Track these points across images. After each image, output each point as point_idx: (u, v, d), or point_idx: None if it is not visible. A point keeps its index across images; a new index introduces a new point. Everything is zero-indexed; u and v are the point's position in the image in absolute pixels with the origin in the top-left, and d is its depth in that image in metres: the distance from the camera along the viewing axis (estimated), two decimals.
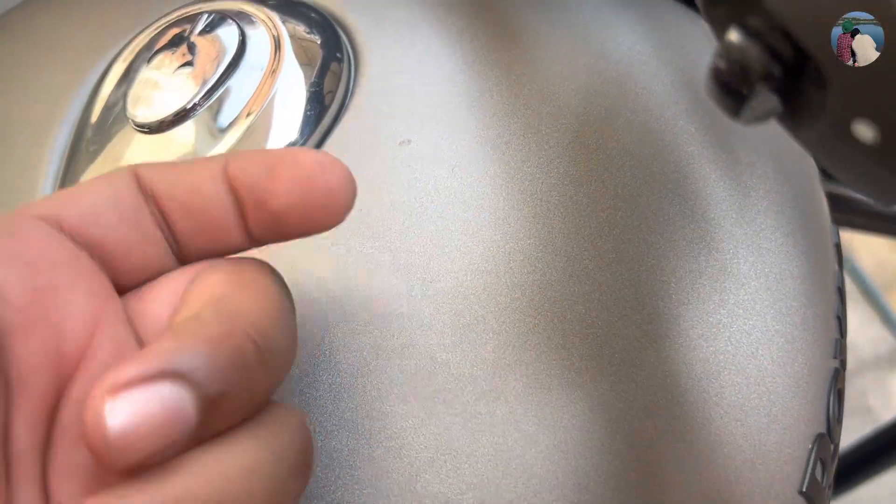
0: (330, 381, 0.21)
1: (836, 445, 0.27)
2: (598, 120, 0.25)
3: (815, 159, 0.15)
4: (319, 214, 0.18)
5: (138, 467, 0.14)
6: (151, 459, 0.14)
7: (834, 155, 0.13)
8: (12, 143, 0.28)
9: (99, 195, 0.18)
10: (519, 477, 0.20)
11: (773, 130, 0.28)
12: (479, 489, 0.20)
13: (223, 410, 0.15)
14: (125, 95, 0.26)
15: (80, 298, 0.17)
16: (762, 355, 0.23)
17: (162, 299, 0.19)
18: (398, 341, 0.21)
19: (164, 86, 0.26)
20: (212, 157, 0.20)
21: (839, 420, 0.27)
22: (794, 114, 0.14)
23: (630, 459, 0.21)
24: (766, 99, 0.13)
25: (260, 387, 0.16)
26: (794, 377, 0.24)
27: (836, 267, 0.28)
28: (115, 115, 0.26)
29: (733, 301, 0.23)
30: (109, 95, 0.27)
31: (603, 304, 0.22)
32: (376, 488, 0.20)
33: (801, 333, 0.24)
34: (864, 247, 1.13)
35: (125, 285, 0.19)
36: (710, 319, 0.23)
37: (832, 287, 0.27)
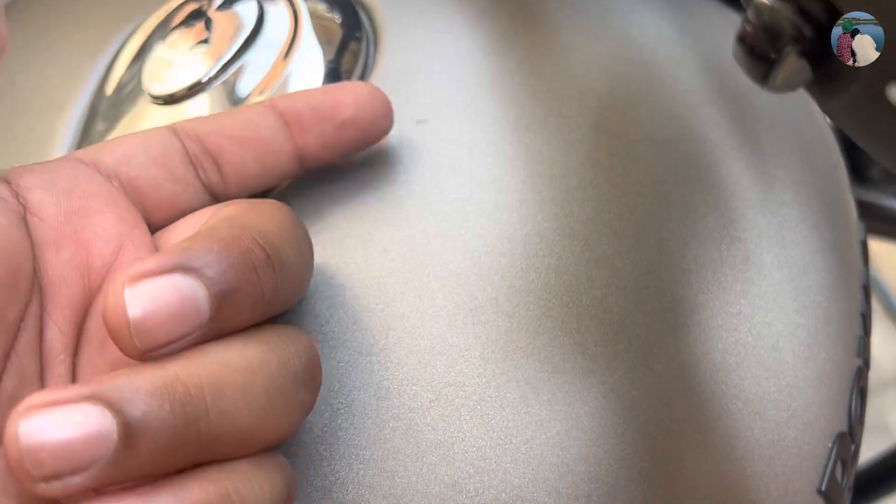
0: (338, 359, 0.21)
1: (858, 446, 0.26)
2: (621, 104, 0.24)
3: (845, 130, 0.14)
4: (381, 119, 0.22)
5: (154, 354, 0.15)
6: (168, 347, 0.15)
7: (866, 123, 0.13)
8: (29, 117, 0.28)
9: (132, 142, 0.21)
10: (528, 463, 0.20)
11: (801, 122, 0.27)
12: (486, 473, 0.19)
13: (233, 307, 0.16)
14: (141, 69, 0.26)
15: (108, 222, 0.19)
16: (783, 348, 0.22)
17: (185, 231, 0.20)
18: (409, 321, 0.21)
19: (180, 59, 0.26)
20: (251, 104, 0.22)
21: (861, 420, 0.26)
22: (825, 79, 0.13)
23: (643, 449, 0.20)
24: (795, 63, 0.13)
25: (269, 290, 0.17)
26: (816, 372, 0.23)
27: (862, 264, 0.27)
28: (131, 88, 0.26)
29: (755, 292, 0.23)
30: (126, 70, 0.27)
31: (621, 290, 0.22)
32: (381, 469, 0.20)
33: (824, 328, 0.24)
34: (888, 262, 1.11)
35: (157, 221, 0.21)
36: (731, 309, 0.22)
37: (857, 283, 0.26)
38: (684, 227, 0.23)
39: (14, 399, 0.17)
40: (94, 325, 0.18)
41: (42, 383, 0.18)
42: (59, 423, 0.14)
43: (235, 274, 0.16)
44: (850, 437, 0.24)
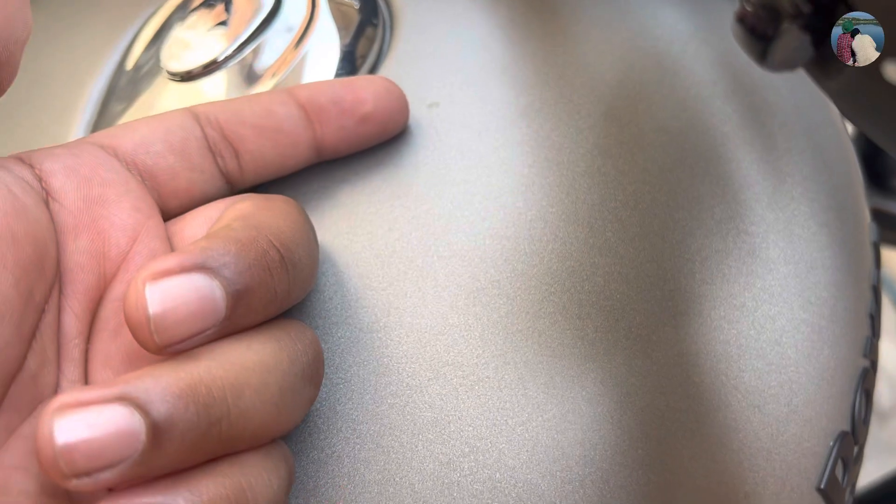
0: (339, 335, 0.21)
1: (861, 447, 0.26)
2: (633, 94, 0.24)
3: (844, 113, 0.14)
4: (398, 114, 0.23)
5: (171, 350, 0.16)
6: (184, 343, 0.16)
7: (863, 103, 0.13)
8: (50, 93, 0.29)
9: (151, 128, 0.21)
10: (523, 444, 0.20)
11: (815, 121, 0.27)
12: (480, 453, 0.20)
13: (248, 307, 0.17)
14: (160, 48, 0.27)
15: (125, 212, 0.19)
16: (786, 343, 0.22)
17: (198, 222, 0.21)
18: (411, 300, 0.21)
19: (198, 40, 0.26)
20: (271, 90, 0.23)
21: (866, 422, 0.26)
22: (824, 59, 0.13)
23: (639, 436, 0.20)
24: (794, 40, 0.13)
25: (281, 290, 0.18)
26: (819, 370, 0.23)
27: (874, 265, 0.27)
28: (149, 66, 0.27)
29: (760, 285, 0.22)
30: (145, 49, 0.28)
31: (623, 277, 0.22)
32: (377, 444, 0.20)
33: (830, 325, 0.23)
34: None
35: (171, 209, 0.21)
36: (734, 302, 0.22)
37: (867, 284, 0.26)
38: (690, 217, 0.23)
39: (35, 378, 0.18)
40: (107, 312, 0.19)
41: (59, 366, 0.18)
42: (91, 423, 0.15)
43: (251, 275, 0.17)
44: (852, 437, 0.24)
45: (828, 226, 0.24)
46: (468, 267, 0.21)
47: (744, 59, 0.27)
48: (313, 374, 0.18)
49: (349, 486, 0.19)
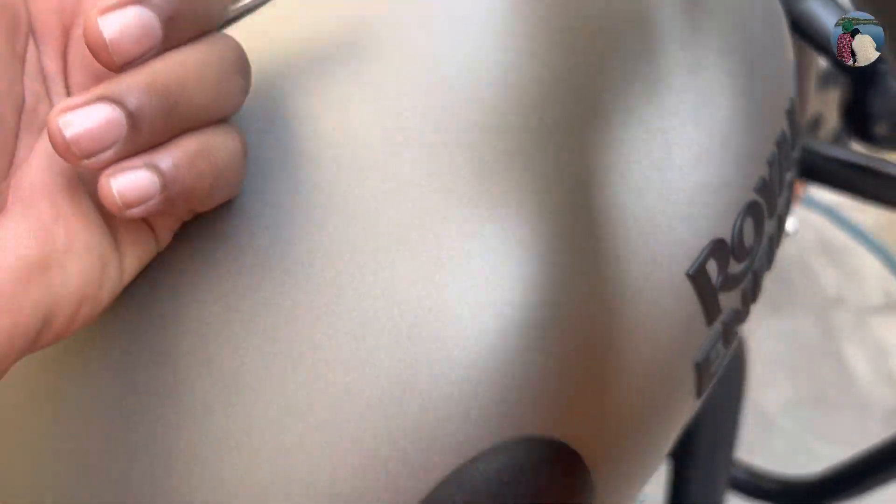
0: (297, 82, 0.27)
1: (750, 271, 0.30)
2: None
3: None
4: None
5: (126, 67, 0.21)
6: (136, 60, 0.21)
7: None
8: None
9: None
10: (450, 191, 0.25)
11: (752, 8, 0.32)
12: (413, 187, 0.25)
13: (177, 28, 0.22)
14: None
15: None
16: (674, 153, 0.27)
17: None
18: (369, 93, 0.26)
19: None
20: None
21: (754, 253, 0.30)
22: None
23: (542, 188, 0.25)
24: None
25: (202, 14, 0.23)
26: (703, 181, 0.28)
27: (785, 127, 0.32)
28: None
29: (658, 102, 0.27)
30: None
31: (546, 81, 0.27)
32: (316, 165, 0.25)
33: (720, 151, 0.28)
34: None
35: None
36: (635, 112, 0.27)
37: (771, 136, 0.30)
38: (608, 46, 0.27)
39: (35, 110, 0.23)
40: (73, 52, 0.24)
41: (50, 99, 0.23)
42: (86, 117, 0.20)
43: (177, 3, 0.21)
44: (730, 250, 0.28)
45: (735, 76, 0.29)
46: (426, 76, 0.27)
47: None
48: (241, 68, 0.24)
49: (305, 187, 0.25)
